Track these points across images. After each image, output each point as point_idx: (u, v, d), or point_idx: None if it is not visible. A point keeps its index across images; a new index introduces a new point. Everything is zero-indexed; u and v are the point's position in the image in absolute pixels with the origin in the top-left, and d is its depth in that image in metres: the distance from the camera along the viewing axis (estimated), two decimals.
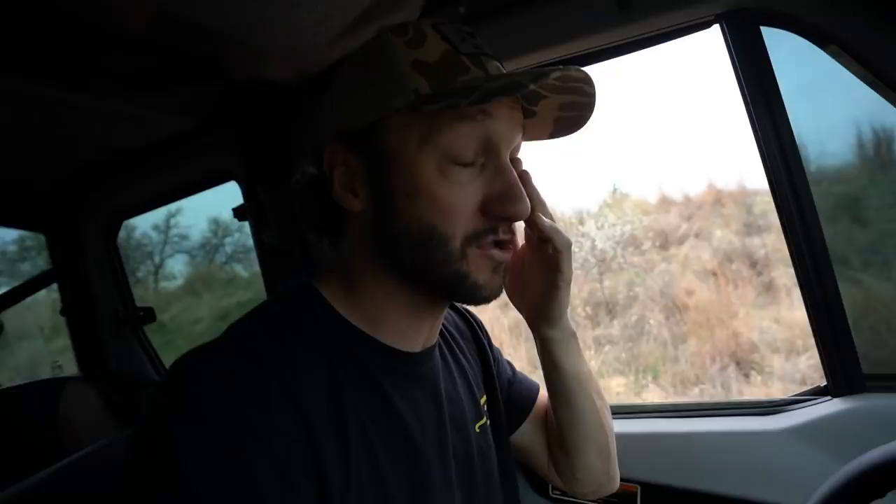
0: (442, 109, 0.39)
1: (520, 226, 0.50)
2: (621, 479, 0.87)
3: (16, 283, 1.47)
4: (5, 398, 1.24)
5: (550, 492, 0.89)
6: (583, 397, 0.60)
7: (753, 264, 3.58)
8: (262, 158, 1.05)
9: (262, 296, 1.18)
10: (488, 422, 0.58)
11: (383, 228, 0.44)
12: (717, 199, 4.24)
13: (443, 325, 0.59)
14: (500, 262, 0.45)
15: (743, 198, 4.08)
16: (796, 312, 3.11)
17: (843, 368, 0.79)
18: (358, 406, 0.41)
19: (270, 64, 0.88)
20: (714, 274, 3.58)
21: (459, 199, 0.42)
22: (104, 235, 1.46)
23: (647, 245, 3.86)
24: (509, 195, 0.42)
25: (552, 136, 0.51)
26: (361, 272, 0.46)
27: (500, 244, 0.44)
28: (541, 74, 0.38)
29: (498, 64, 0.45)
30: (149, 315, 1.52)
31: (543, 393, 0.70)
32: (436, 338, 0.53)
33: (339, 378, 0.41)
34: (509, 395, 0.67)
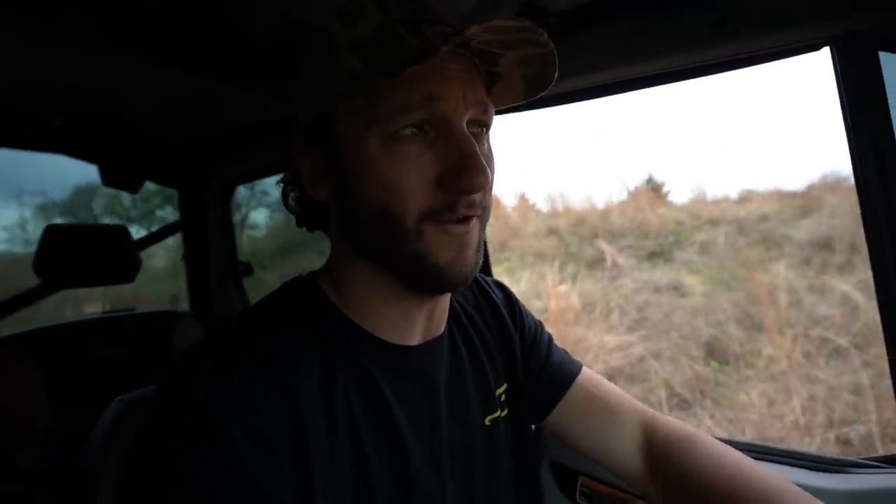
0: (371, 89, 0.39)
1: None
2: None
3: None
4: (129, 323, 1.52)
5: (577, 497, 0.90)
6: None
7: None
8: None
9: None
10: (503, 413, 0.55)
11: (344, 213, 0.44)
12: None
13: (460, 308, 0.58)
14: (463, 237, 0.42)
15: None
16: None
17: None
18: (351, 401, 0.42)
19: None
20: None
21: (409, 175, 0.40)
22: (221, 196, 1.71)
23: None
24: (464, 166, 0.39)
25: (527, 95, 0.47)
26: (343, 263, 0.47)
27: (459, 220, 0.41)
28: (454, 33, 0.37)
29: (445, 28, 0.41)
30: (247, 269, 1.76)
31: (586, 375, 0.63)
32: (440, 329, 0.51)
33: (334, 373, 0.42)
34: (538, 381, 0.61)
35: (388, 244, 0.42)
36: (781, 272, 3.35)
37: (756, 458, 0.85)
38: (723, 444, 0.54)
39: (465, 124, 0.42)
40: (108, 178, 1.56)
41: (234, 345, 0.40)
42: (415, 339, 0.49)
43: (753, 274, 3.46)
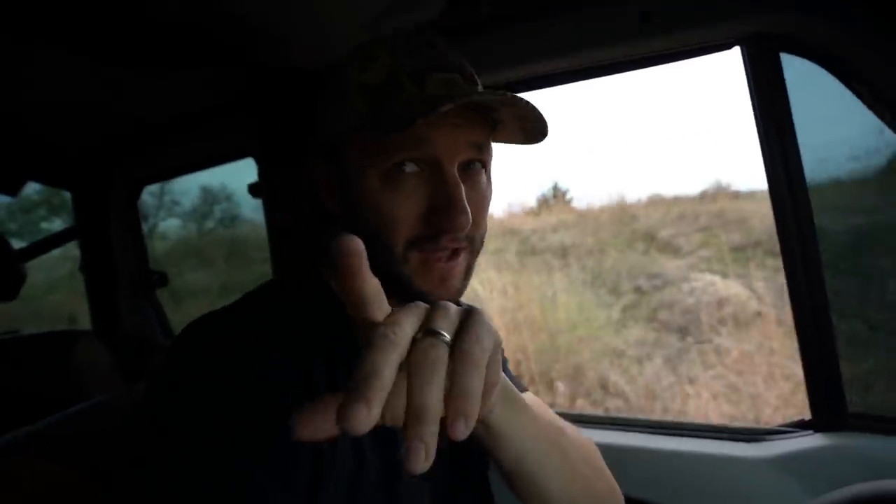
0: (366, 133, 0.44)
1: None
2: None
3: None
4: (23, 344, 1.30)
5: None
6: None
7: None
8: (281, 141, 1.09)
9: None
10: None
11: (348, 230, 0.47)
12: None
13: None
14: (448, 269, 0.45)
15: None
16: None
17: (828, 404, 0.79)
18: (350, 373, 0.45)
19: (295, 51, 0.91)
20: None
21: (402, 208, 0.44)
22: (127, 199, 1.52)
23: None
24: (447, 207, 0.43)
25: (527, 141, 0.51)
26: None
27: (447, 253, 0.45)
28: (430, 109, 0.40)
29: (449, 76, 0.45)
30: (162, 279, 1.58)
31: (530, 397, 0.66)
32: None
33: (335, 354, 0.44)
34: None
35: (379, 264, 0.43)
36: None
37: (676, 435, 0.90)
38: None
39: (456, 166, 0.45)
40: None
41: (246, 314, 0.44)
42: None
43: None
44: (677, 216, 4.38)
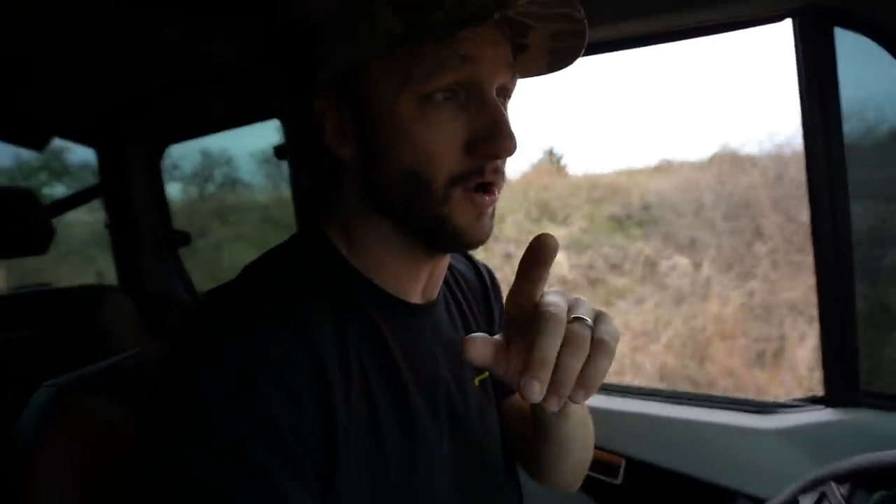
0: (409, 50, 0.38)
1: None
2: (609, 451, 0.93)
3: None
4: (53, 298, 1.35)
5: None
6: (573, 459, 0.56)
7: None
8: (307, 101, 1.08)
9: None
10: (488, 374, 0.57)
11: (371, 177, 0.44)
12: None
13: (454, 277, 0.60)
14: (484, 205, 0.43)
15: None
16: None
17: (842, 380, 0.81)
18: (361, 351, 0.43)
19: (321, 5, 0.89)
20: None
21: (442, 140, 0.40)
22: (149, 158, 1.53)
23: None
24: (494, 131, 0.40)
25: (550, 69, 0.48)
26: (358, 219, 0.47)
27: (484, 186, 0.42)
28: (499, 5, 0.36)
29: None
30: (185, 238, 1.61)
31: None
32: (436, 292, 0.53)
33: (345, 323, 0.42)
34: None
35: (413, 206, 0.42)
36: None
37: (696, 405, 0.94)
38: None
39: (494, 90, 0.42)
40: (5, 132, 1.33)
41: (252, 294, 0.40)
42: (416, 297, 0.50)
43: None
44: (582, 187, 4.70)
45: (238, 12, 0.91)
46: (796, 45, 0.71)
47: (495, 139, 0.40)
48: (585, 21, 0.41)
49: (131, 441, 0.37)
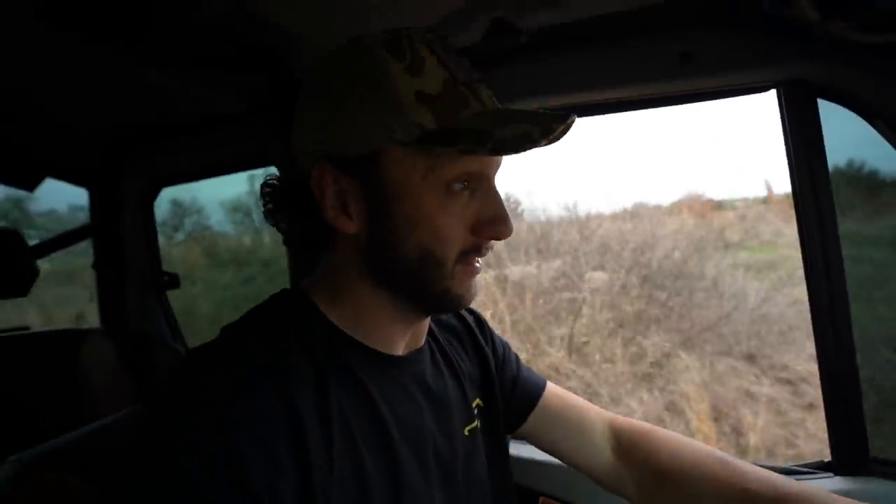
0: (454, 152, 0.42)
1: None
2: None
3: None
4: (32, 341, 1.30)
5: None
6: None
7: None
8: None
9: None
10: (479, 425, 0.59)
11: (381, 251, 0.46)
12: None
13: (438, 326, 0.62)
14: (477, 272, 0.48)
15: None
16: None
17: (850, 447, 0.78)
18: (342, 404, 0.43)
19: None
20: None
21: (455, 225, 0.45)
22: (142, 199, 1.52)
23: None
24: (497, 219, 0.46)
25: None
26: (349, 284, 0.48)
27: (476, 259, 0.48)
28: (548, 130, 0.41)
29: (488, 91, 0.46)
30: (173, 280, 1.58)
31: (551, 387, 0.69)
32: (422, 341, 0.55)
33: (326, 377, 0.43)
34: (512, 394, 0.66)
35: (424, 281, 0.46)
36: None
37: None
38: (676, 434, 0.64)
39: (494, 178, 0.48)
40: None
41: (229, 354, 0.41)
42: (400, 350, 0.51)
43: None
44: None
45: (242, 66, 0.93)
46: (781, 114, 0.73)
47: (497, 225, 0.46)
48: (572, 125, 0.44)
49: None
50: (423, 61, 0.42)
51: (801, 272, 0.75)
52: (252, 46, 0.88)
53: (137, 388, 1.39)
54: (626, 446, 0.64)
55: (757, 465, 0.88)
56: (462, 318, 0.66)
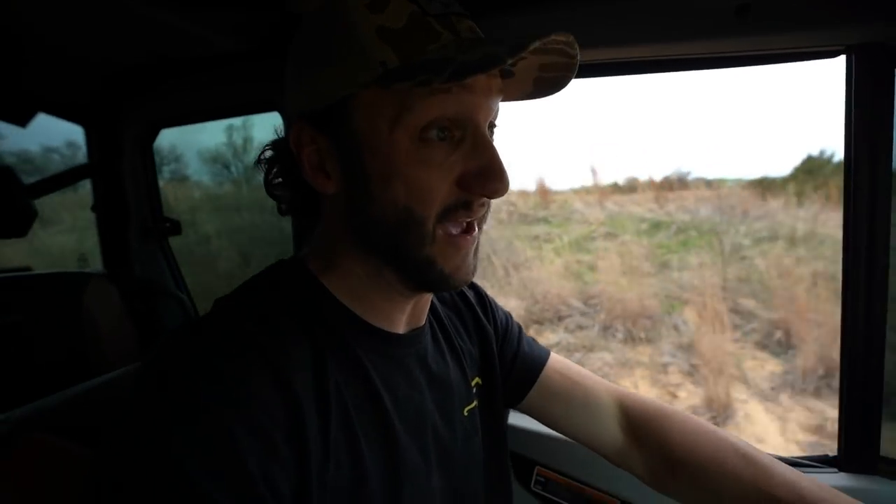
0: (412, 86, 0.37)
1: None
2: (602, 492, 0.89)
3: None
4: (36, 282, 1.30)
5: (532, 485, 0.91)
6: None
7: None
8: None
9: None
10: (477, 405, 0.58)
11: (358, 213, 0.42)
12: None
13: (440, 301, 0.60)
14: (468, 247, 0.44)
15: None
16: None
17: (860, 444, 0.76)
18: (340, 386, 0.41)
19: None
20: None
21: (436, 178, 0.40)
22: (141, 140, 1.46)
23: None
24: (489, 171, 0.40)
25: (531, 96, 0.47)
26: (341, 252, 0.45)
27: (468, 226, 0.43)
28: (518, 46, 0.35)
29: (470, 23, 0.41)
30: (174, 227, 1.55)
31: (554, 360, 0.67)
32: (423, 320, 0.52)
33: (325, 358, 0.41)
34: (512, 370, 0.65)
35: (403, 246, 0.42)
36: None
37: None
38: (699, 420, 0.61)
39: (487, 125, 0.42)
40: None
41: (224, 332, 0.38)
42: (401, 328, 0.49)
43: None
44: None
45: (244, 4, 0.85)
46: (848, 84, 0.64)
47: (489, 178, 0.40)
48: (577, 55, 0.41)
49: (86, 481, 0.34)
50: None
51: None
52: None
53: (141, 336, 1.40)
54: (637, 426, 0.62)
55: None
56: (463, 295, 0.64)
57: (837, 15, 0.60)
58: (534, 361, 0.66)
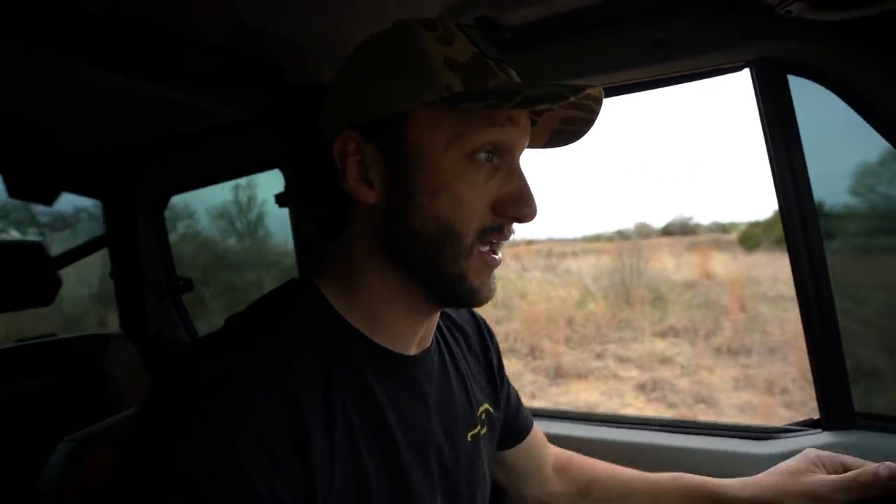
0: (482, 108, 0.40)
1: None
2: None
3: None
4: (60, 347, 1.36)
5: None
6: None
7: None
8: (308, 151, 1.14)
9: None
10: (482, 431, 0.58)
11: (398, 222, 0.43)
12: None
13: (449, 327, 0.61)
14: (494, 265, 0.46)
15: None
16: None
17: (836, 404, 0.82)
18: (347, 406, 0.42)
19: (326, 69, 0.97)
20: None
21: (477, 197, 0.42)
22: (153, 208, 1.58)
23: None
24: (522, 197, 0.44)
25: (545, 146, 0.52)
26: (363, 268, 0.46)
27: (495, 247, 0.46)
28: (577, 89, 0.39)
29: (514, 72, 0.46)
30: (187, 284, 1.64)
31: (537, 429, 0.73)
32: (430, 341, 0.53)
33: (332, 377, 0.41)
34: (513, 418, 0.68)
35: (442, 258, 0.43)
36: None
37: (693, 432, 0.94)
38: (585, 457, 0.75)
39: (519, 159, 0.46)
40: (16, 188, 1.39)
41: (233, 346, 0.39)
42: (412, 349, 0.50)
43: None
44: None
45: (244, 79, 0.98)
46: (756, 93, 0.77)
47: (521, 204, 0.44)
48: (598, 113, 0.46)
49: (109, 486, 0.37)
50: (453, 35, 0.43)
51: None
52: (253, 59, 0.93)
53: None
54: (560, 470, 0.73)
55: (746, 424, 0.93)
56: (476, 322, 0.66)
57: (737, 36, 0.74)
58: (525, 421, 0.71)
